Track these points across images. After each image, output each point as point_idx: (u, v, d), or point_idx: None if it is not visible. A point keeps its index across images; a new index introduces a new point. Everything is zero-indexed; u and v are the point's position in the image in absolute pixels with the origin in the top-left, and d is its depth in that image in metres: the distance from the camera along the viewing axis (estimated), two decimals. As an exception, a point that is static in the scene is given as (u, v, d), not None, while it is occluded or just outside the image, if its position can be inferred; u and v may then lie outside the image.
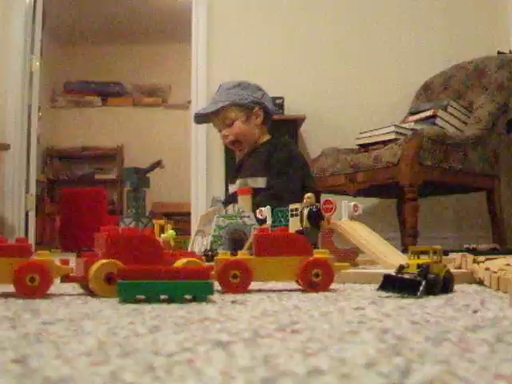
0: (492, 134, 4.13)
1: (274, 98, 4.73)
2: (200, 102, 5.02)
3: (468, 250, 3.18)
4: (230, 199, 2.91)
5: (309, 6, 5.16)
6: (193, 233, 2.31)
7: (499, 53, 4.76)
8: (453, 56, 4.89)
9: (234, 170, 3.27)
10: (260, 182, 2.90)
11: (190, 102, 5.72)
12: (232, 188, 3.07)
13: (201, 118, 3.18)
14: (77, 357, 0.55)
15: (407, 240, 3.69)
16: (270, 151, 3.00)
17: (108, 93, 9.53)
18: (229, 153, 4.69)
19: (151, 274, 1.01)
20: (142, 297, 1.01)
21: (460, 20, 5.20)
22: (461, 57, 4.79)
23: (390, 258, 1.52)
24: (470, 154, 3.98)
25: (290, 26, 5.14)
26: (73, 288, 1.28)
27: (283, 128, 4.74)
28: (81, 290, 1.22)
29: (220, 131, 3.13)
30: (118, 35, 9.13)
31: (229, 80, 3.10)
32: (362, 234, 1.66)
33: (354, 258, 1.77)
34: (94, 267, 1.10)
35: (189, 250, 2.23)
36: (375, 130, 4.11)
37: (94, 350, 0.58)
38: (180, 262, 1.16)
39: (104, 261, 1.11)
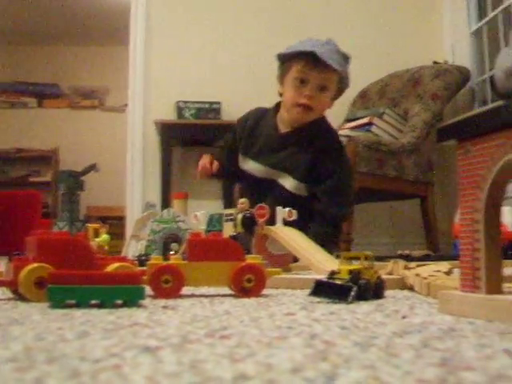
0: (426, 142, 4.20)
1: (211, 103, 4.75)
2: (137, 105, 4.99)
3: (402, 257, 3.22)
4: (246, 185, 2.64)
5: (247, 12, 5.17)
6: (128, 237, 2.30)
7: (434, 63, 4.84)
8: (389, 64, 4.95)
9: (253, 137, 2.66)
10: (289, 183, 2.48)
11: (126, 105, 5.68)
12: (250, 165, 2.57)
13: (287, 56, 2.53)
14: (2, 363, 0.54)
15: (341, 246, 3.72)
16: (316, 150, 2.49)
17: (44, 94, 9.40)
18: (166, 158, 4.68)
19: (82, 278, 1.00)
20: (73, 301, 1.00)
21: (397, 29, 5.27)
22: (397, 65, 4.86)
23: (323, 263, 1.53)
24: (404, 162, 4.03)
25: (229, 31, 5.14)
26: (2, 292, 1.26)
27: (220, 133, 4.75)
28: (10, 295, 1.20)
29: (301, 82, 2.48)
30: (55, 36, 9.02)
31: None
32: (295, 240, 1.67)
33: (288, 263, 1.78)
34: (24, 271, 1.09)
35: (123, 254, 2.22)
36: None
37: (20, 355, 0.58)
38: (112, 267, 1.15)
39: (34, 265, 1.09)
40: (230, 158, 2.68)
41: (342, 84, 2.54)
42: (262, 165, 2.53)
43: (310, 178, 2.47)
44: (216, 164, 2.57)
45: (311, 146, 2.49)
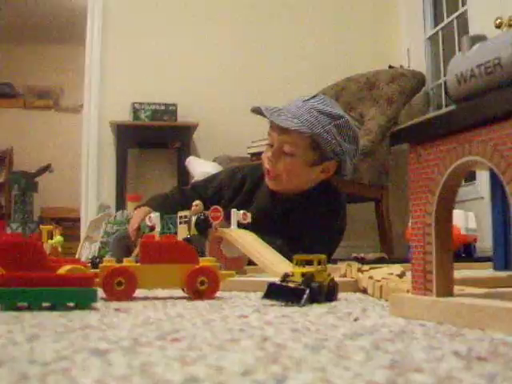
0: (381, 145, 4.23)
1: (167, 105, 4.73)
2: (92, 106, 4.96)
3: (356, 259, 3.24)
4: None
5: (205, 13, 5.17)
6: (82, 239, 2.28)
7: (390, 67, 4.88)
8: (345, 68, 4.98)
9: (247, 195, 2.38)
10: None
11: (81, 106, 5.64)
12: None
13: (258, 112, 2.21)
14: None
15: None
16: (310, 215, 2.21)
17: (-3, 94, 9.29)
18: (121, 159, 4.65)
19: (33, 280, 0.99)
20: (24, 304, 0.99)
21: (353, 33, 5.30)
22: (353, 69, 4.89)
23: (277, 266, 1.53)
24: (359, 165, 4.05)
25: (185, 32, 5.13)
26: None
27: (176, 135, 4.74)
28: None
29: (270, 146, 2.26)
30: (10, 34, 8.90)
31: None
32: (249, 242, 1.66)
33: (242, 266, 1.78)
34: (-26, 273, 1.07)
35: (77, 256, 2.20)
36: (267, 138, 4.14)
37: (-32, 358, 0.57)
38: (63, 269, 1.14)
39: (-16, 267, 1.08)
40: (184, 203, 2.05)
41: (328, 152, 2.14)
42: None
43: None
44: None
45: (305, 213, 2.23)
